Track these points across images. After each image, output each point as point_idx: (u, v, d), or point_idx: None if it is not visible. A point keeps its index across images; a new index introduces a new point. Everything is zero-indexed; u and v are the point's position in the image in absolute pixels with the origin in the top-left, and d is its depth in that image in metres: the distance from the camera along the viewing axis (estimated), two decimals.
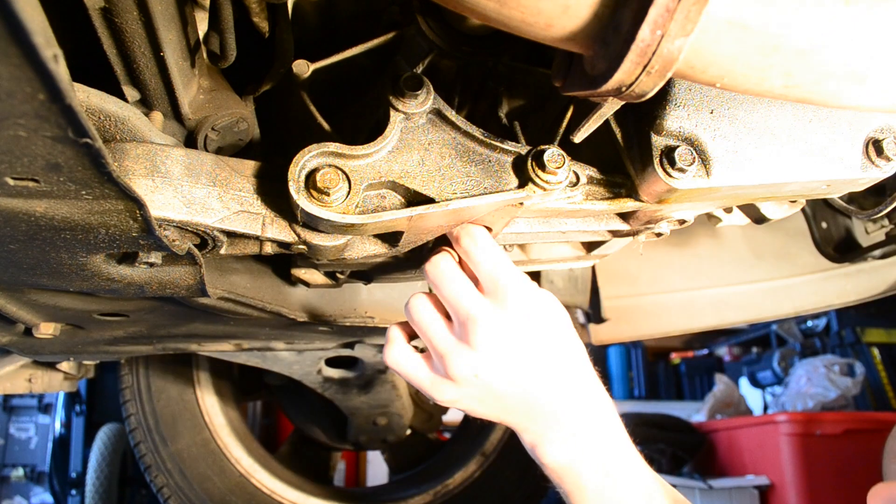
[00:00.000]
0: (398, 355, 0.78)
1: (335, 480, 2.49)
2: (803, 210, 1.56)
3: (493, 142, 0.72)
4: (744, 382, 5.45)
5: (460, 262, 0.78)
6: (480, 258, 0.75)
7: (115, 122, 0.63)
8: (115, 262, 0.74)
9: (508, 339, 0.72)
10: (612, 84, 0.51)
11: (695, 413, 4.64)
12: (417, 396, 2.24)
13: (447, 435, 2.86)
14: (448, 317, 0.76)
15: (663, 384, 6.46)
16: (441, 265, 0.76)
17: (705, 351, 6.73)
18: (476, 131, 0.72)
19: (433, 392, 0.75)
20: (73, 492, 3.62)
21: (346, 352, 1.54)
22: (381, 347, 1.28)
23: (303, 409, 2.24)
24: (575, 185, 0.76)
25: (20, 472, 4.29)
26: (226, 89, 0.78)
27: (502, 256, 0.75)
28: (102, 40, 0.61)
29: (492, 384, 0.72)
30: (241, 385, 2.24)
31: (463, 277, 0.75)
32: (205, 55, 0.76)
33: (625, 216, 0.87)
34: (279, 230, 0.70)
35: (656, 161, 0.71)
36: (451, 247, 0.79)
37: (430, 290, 0.79)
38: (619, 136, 0.76)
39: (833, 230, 1.56)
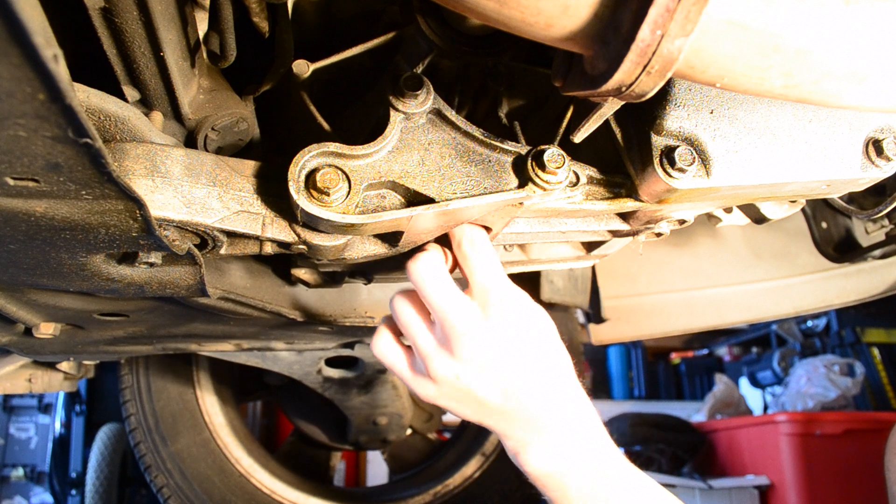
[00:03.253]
0: (384, 347, 0.81)
1: (335, 480, 2.49)
2: (803, 210, 1.56)
3: (493, 142, 0.72)
4: (744, 382, 5.45)
5: (449, 257, 0.78)
6: (477, 265, 0.74)
7: (115, 122, 0.63)
8: (115, 262, 0.74)
9: (492, 351, 0.72)
10: (612, 84, 0.51)
11: (695, 413, 4.65)
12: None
13: (447, 435, 2.86)
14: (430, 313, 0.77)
15: (663, 384, 6.46)
16: (424, 267, 0.74)
17: (705, 351, 6.73)
18: (476, 131, 0.72)
19: (414, 387, 0.78)
20: (73, 492, 3.62)
21: (346, 352, 1.54)
22: None
23: (303, 409, 2.24)
24: (575, 185, 0.76)
25: (20, 472, 4.29)
26: (226, 89, 0.78)
27: (499, 267, 0.75)
28: (102, 40, 0.61)
29: (471, 388, 0.73)
30: (241, 385, 2.23)
31: (448, 281, 0.74)
32: (205, 55, 0.76)
33: (625, 216, 0.87)
34: (279, 230, 0.70)
35: (656, 161, 0.71)
36: (447, 245, 0.79)
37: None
38: (619, 136, 0.76)
39: (833, 230, 1.56)
